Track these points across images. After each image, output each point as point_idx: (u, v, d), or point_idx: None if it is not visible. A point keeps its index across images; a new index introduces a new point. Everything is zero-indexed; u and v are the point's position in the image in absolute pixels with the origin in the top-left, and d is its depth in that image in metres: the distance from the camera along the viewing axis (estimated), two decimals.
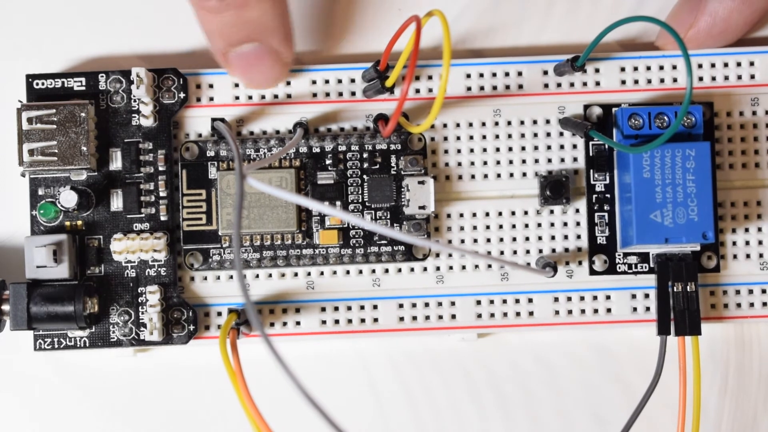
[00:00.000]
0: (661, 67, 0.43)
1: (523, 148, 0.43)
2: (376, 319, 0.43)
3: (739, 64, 0.43)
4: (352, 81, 0.43)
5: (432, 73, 0.43)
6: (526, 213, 0.43)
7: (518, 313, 0.43)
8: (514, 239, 0.43)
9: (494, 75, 0.43)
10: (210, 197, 0.43)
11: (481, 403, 0.44)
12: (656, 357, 0.41)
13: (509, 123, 0.43)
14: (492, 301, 0.43)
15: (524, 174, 0.43)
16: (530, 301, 0.43)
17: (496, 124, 0.43)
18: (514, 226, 0.43)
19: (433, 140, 0.43)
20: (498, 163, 0.43)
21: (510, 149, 0.43)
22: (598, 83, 0.43)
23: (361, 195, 0.43)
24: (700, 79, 0.43)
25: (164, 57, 0.44)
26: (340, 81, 0.43)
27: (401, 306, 0.43)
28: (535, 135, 0.43)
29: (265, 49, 0.39)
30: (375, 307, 0.43)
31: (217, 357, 0.39)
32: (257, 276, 0.43)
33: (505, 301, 0.43)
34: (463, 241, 0.43)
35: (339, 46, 0.45)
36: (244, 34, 0.39)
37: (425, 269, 0.43)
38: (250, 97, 0.43)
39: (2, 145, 0.44)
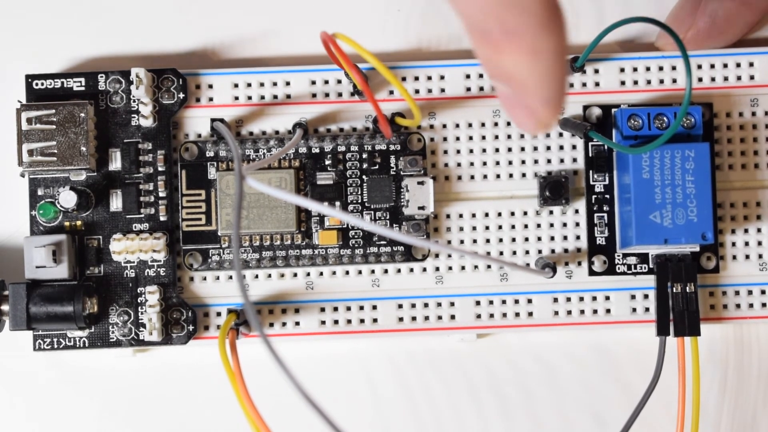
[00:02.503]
0: (661, 68, 0.43)
1: (523, 149, 0.43)
2: (375, 320, 0.43)
3: (738, 65, 0.43)
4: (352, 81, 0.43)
5: (431, 74, 0.43)
6: (525, 213, 0.43)
7: (517, 314, 0.43)
8: (514, 240, 0.43)
9: None
10: (209, 197, 0.43)
11: (481, 403, 0.44)
12: (655, 357, 0.41)
13: (509, 123, 0.43)
14: (491, 302, 0.43)
15: (524, 174, 0.43)
16: (529, 301, 0.43)
17: (496, 124, 0.43)
18: (513, 227, 0.43)
19: (433, 141, 0.43)
20: (497, 163, 0.43)
21: (509, 150, 0.43)
22: (597, 84, 0.43)
23: (361, 195, 0.43)
24: (700, 79, 0.43)
25: (163, 57, 0.44)
26: (339, 81, 0.43)
27: (400, 306, 0.43)
28: (535, 136, 0.43)
29: (518, 99, 0.32)
30: (374, 307, 0.43)
31: (216, 357, 0.39)
32: (256, 276, 0.43)
33: (504, 302, 0.43)
34: (462, 242, 0.43)
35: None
36: (498, 75, 0.32)
37: (424, 270, 0.43)
38: (250, 98, 0.43)
39: (2, 146, 0.44)
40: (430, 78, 0.43)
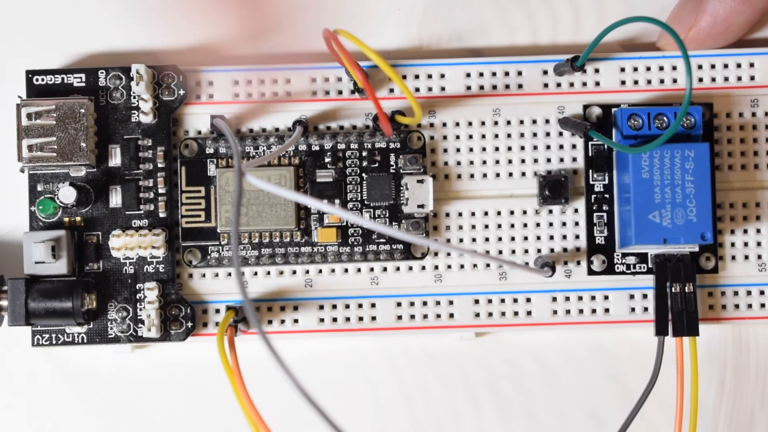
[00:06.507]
0: (661, 68, 0.43)
1: (523, 148, 0.43)
2: (374, 318, 0.43)
3: (738, 65, 0.43)
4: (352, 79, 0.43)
5: (431, 72, 0.43)
6: (524, 212, 0.43)
7: (516, 313, 0.43)
8: (513, 239, 0.43)
9: (494, 74, 0.43)
10: (209, 194, 0.43)
11: (479, 402, 0.44)
12: (654, 357, 0.41)
13: (509, 122, 0.43)
14: (490, 301, 0.43)
15: (523, 174, 0.43)
16: (528, 300, 0.43)
17: (496, 123, 0.43)
18: (512, 226, 0.43)
19: (433, 139, 0.43)
20: (497, 162, 0.43)
21: (509, 149, 0.43)
22: (597, 83, 0.43)
23: (360, 193, 0.43)
24: (700, 80, 0.43)
25: (164, 54, 0.44)
26: (339, 79, 0.43)
27: (399, 305, 0.43)
28: (535, 135, 0.43)
29: None
30: (373, 305, 0.43)
31: (214, 354, 0.39)
32: (255, 273, 0.43)
33: (503, 301, 0.43)
34: (461, 240, 0.43)
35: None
36: None
37: (423, 268, 0.43)
38: (250, 95, 0.43)
39: (1, 141, 0.44)
40: (430, 76, 0.43)
